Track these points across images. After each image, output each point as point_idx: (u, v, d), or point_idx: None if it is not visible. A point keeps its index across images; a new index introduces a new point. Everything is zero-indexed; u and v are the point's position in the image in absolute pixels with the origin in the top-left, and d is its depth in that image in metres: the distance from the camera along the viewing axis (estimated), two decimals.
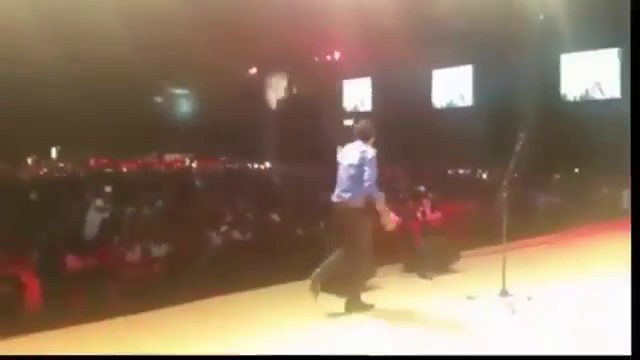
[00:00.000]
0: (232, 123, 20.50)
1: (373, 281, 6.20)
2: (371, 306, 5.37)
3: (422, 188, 8.25)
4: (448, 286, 6.26)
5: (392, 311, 5.37)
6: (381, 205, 5.20)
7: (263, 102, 22.49)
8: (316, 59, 22.04)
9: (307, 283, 5.28)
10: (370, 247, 5.35)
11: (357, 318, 5.17)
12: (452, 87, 20.82)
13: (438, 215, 7.79)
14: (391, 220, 5.34)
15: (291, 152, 19.35)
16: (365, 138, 5.35)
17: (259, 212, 8.19)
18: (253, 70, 23.60)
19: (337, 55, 22.34)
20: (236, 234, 7.30)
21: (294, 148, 19.86)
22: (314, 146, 20.24)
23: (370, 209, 5.20)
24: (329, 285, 5.46)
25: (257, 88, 22.66)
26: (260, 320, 5.29)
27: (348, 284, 5.33)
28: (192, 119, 22.22)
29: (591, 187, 12.13)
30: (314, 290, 5.24)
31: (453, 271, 6.98)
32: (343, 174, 5.32)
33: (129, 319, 5.37)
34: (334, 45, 21.34)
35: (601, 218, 10.44)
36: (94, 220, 7.18)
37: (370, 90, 23.70)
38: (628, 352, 3.54)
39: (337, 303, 5.39)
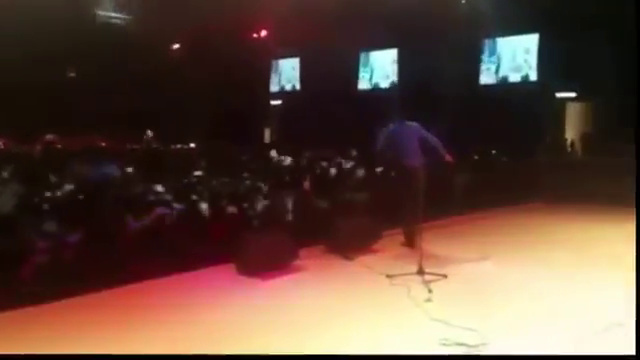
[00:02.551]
0: (152, 104, 19.41)
1: (296, 263, 6.26)
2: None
3: None
4: (369, 265, 6.36)
5: (317, 293, 5.43)
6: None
7: (185, 81, 21.64)
8: (243, 37, 21.53)
9: None
10: None
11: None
12: (378, 70, 21.13)
13: None
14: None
15: (217, 133, 18.89)
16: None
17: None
18: (175, 46, 22.64)
19: (264, 33, 21.98)
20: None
21: (220, 129, 19.43)
22: (241, 127, 19.98)
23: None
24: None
25: (179, 66, 21.66)
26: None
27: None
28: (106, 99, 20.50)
29: (506, 169, 12.72)
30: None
31: (374, 251, 7.09)
32: (412, 145, 6.93)
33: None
34: (262, 23, 20.97)
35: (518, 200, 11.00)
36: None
37: (298, 70, 23.60)
38: (633, 352, 3.68)
39: None
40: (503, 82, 17.80)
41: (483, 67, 18.18)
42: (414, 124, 7.18)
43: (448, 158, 7.08)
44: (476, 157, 13.39)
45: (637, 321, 3.80)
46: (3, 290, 4.90)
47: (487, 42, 18.13)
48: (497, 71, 17.99)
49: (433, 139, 7.09)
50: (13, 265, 5.13)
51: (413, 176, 6.93)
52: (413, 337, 4.29)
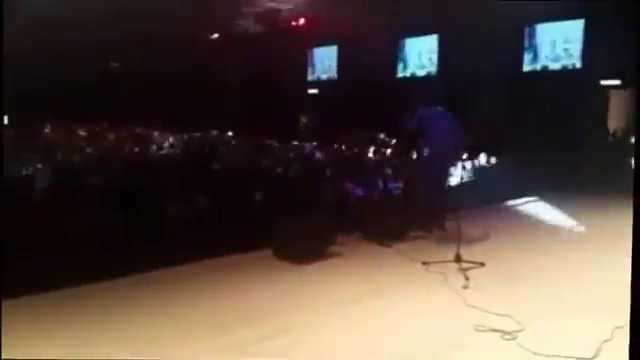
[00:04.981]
0: (190, 93, 19.75)
1: (332, 249, 6.33)
2: None
3: None
4: (406, 253, 6.38)
5: (352, 279, 5.47)
6: None
7: (224, 71, 21.84)
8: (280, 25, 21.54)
9: None
10: None
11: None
12: (417, 57, 20.85)
13: None
14: None
15: (255, 123, 19.08)
16: None
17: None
18: (214, 36, 22.87)
19: (302, 21, 21.94)
20: None
21: (257, 118, 19.61)
22: (278, 116, 20.11)
23: None
24: None
25: (218, 56, 21.89)
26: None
27: None
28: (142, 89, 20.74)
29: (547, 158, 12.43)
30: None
31: (412, 238, 7.08)
32: (443, 130, 7.09)
33: None
34: (299, 11, 20.94)
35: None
36: None
37: (335, 59, 23.52)
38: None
39: None
40: (544, 70, 17.34)
41: (525, 54, 17.73)
42: (439, 109, 7.31)
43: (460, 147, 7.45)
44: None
45: (631, 317, 3.74)
46: None
47: (528, 29, 17.67)
48: (536, 58, 17.52)
49: (458, 125, 7.23)
50: None
51: (442, 159, 7.16)
52: (448, 323, 4.30)
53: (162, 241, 5.89)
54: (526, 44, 17.74)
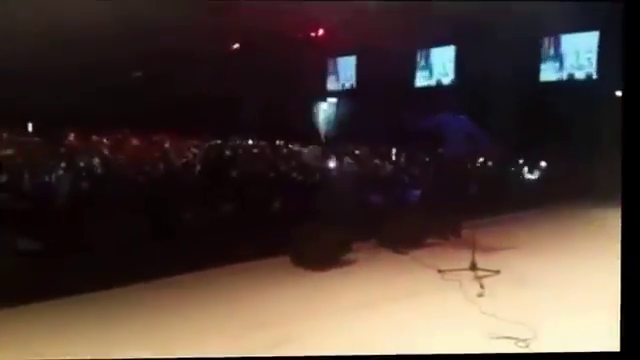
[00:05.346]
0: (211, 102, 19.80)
1: (349, 256, 6.37)
2: None
3: None
4: (421, 260, 6.38)
5: (367, 286, 5.51)
6: None
7: (244, 81, 21.98)
8: (299, 36, 21.68)
9: None
10: None
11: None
12: (433, 67, 20.82)
13: None
14: None
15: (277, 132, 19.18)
16: None
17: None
18: (235, 46, 23.07)
19: (321, 32, 22.06)
20: None
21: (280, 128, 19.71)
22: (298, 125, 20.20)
23: None
24: None
25: (238, 66, 22.04)
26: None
27: None
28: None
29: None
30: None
31: (428, 245, 7.09)
32: (457, 137, 7.24)
33: None
34: (318, 21, 21.07)
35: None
36: None
37: (354, 69, 23.60)
38: (617, 349, 3.69)
39: None
40: (560, 81, 17.20)
41: (542, 65, 17.61)
42: (462, 117, 7.32)
43: (492, 151, 7.19)
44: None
45: (621, 318, 3.71)
46: None
47: (546, 39, 17.59)
48: (556, 69, 17.39)
49: (479, 132, 7.23)
50: None
51: (456, 166, 7.16)
52: (463, 331, 4.30)
53: (182, 247, 5.99)
54: (543, 54, 17.67)
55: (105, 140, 13.05)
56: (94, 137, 14.12)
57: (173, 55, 18.93)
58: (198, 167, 8.29)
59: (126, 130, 14.28)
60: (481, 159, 9.47)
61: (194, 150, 11.69)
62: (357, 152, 11.36)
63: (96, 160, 8.79)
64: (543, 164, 11.76)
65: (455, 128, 7.25)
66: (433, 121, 7.46)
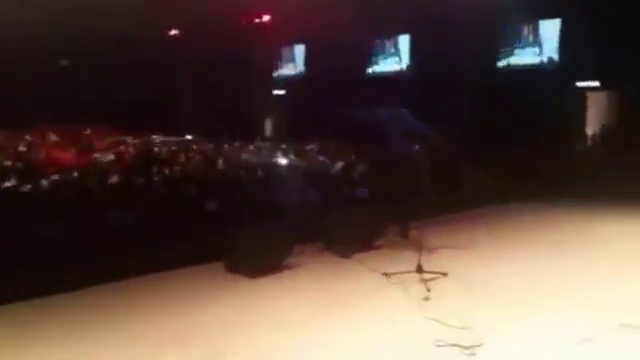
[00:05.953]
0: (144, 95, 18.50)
1: (292, 260, 6.01)
2: None
3: None
4: (366, 264, 6.06)
5: (310, 292, 5.20)
6: None
7: (183, 70, 20.92)
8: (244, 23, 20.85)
9: None
10: None
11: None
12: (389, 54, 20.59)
13: None
14: None
15: (216, 124, 18.41)
16: None
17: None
18: (173, 32, 21.80)
19: (266, 18, 21.25)
20: None
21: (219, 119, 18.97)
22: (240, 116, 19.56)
23: None
24: None
25: (176, 54, 20.86)
26: None
27: None
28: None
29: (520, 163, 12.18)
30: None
31: (373, 248, 6.79)
32: (397, 133, 6.92)
33: None
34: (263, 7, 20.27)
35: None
36: None
37: (302, 57, 23.08)
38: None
39: None
40: (518, 69, 17.11)
41: (498, 53, 17.50)
42: (402, 111, 6.99)
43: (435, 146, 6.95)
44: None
45: None
46: None
47: (502, 27, 17.46)
48: (511, 57, 17.33)
49: (421, 127, 6.89)
50: None
51: (399, 165, 6.80)
52: (407, 337, 4.09)
53: (101, 252, 5.43)
54: (500, 42, 17.54)
55: (27, 137, 12.14)
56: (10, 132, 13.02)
57: (104, 41, 17.82)
58: (123, 165, 7.69)
59: (45, 125, 13.28)
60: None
61: (122, 147, 10.92)
62: (302, 148, 10.91)
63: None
64: (493, 160, 11.50)
65: (394, 123, 6.91)
66: (372, 116, 7.10)
